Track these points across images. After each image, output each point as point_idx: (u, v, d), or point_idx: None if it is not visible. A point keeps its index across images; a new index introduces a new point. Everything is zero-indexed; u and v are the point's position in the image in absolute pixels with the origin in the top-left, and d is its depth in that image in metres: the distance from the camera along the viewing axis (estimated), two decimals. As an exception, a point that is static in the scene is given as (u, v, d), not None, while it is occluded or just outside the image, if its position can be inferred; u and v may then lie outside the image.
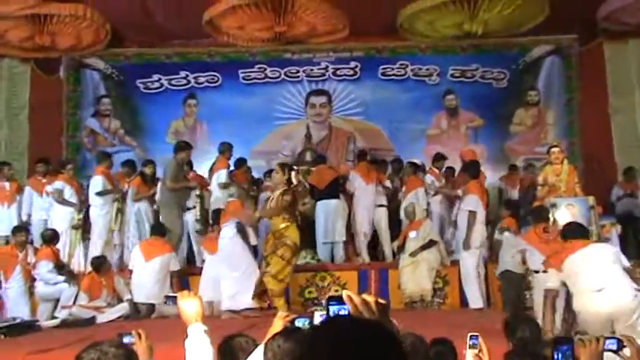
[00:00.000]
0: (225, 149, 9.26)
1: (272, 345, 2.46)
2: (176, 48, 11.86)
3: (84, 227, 8.90)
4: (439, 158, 9.69)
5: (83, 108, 11.72)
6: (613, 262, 5.09)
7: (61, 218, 8.71)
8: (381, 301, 1.85)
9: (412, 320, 5.90)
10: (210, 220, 8.60)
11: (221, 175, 8.96)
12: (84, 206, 8.90)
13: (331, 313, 1.75)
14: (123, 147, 11.51)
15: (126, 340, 2.97)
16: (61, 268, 7.77)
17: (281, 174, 7.06)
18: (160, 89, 11.81)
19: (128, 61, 11.83)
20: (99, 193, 8.61)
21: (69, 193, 8.77)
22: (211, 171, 9.27)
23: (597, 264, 5.09)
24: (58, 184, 8.80)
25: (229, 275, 7.25)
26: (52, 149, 10.73)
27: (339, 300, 1.76)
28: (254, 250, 7.95)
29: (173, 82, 11.80)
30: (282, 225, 6.95)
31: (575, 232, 5.51)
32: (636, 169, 10.09)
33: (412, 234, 8.06)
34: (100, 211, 8.66)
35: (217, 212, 8.20)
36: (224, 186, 8.88)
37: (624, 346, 2.37)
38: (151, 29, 11.19)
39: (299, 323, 2.81)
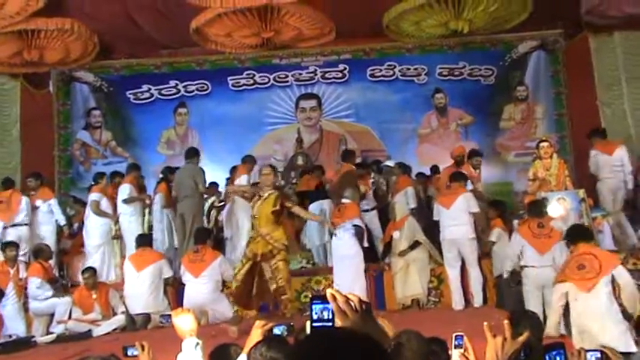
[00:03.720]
0: (247, 161, 9.33)
1: (254, 354, 2.47)
2: (165, 58, 11.90)
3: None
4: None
5: (74, 121, 11.72)
6: None
7: (96, 229, 8.74)
8: (364, 300, 1.88)
9: (407, 320, 5.93)
10: (194, 241, 8.02)
11: (242, 181, 8.85)
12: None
13: (315, 312, 1.76)
14: (115, 158, 11.51)
15: (130, 352, 3.01)
16: (54, 282, 7.75)
17: (272, 175, 7.01)
18: (150, 99, 11.82)
19: (117, 73, 11.85)
20: (125, 201, 8.70)
21: (104, 205, 8.84)
22: (230, 179, 9.30)
23: None
24: (95, 195, 8.85)
25: (343, 275, 7.50)
26: (45, 164, 10.74)
27: (322, 299, 1.77)
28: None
29: (163, 91, 11.81)
30: (273, 227, 6.72)
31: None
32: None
33: (395, 234, 8.01)
34: (129, 218, 8.76)
35: (205, 232, 8.10)
36: None
37: (608, 358, 2.40)
38: (139, 40, 11.21)
39: (278, 331, 2.82)
